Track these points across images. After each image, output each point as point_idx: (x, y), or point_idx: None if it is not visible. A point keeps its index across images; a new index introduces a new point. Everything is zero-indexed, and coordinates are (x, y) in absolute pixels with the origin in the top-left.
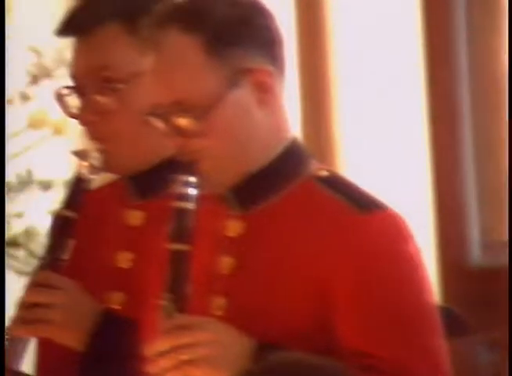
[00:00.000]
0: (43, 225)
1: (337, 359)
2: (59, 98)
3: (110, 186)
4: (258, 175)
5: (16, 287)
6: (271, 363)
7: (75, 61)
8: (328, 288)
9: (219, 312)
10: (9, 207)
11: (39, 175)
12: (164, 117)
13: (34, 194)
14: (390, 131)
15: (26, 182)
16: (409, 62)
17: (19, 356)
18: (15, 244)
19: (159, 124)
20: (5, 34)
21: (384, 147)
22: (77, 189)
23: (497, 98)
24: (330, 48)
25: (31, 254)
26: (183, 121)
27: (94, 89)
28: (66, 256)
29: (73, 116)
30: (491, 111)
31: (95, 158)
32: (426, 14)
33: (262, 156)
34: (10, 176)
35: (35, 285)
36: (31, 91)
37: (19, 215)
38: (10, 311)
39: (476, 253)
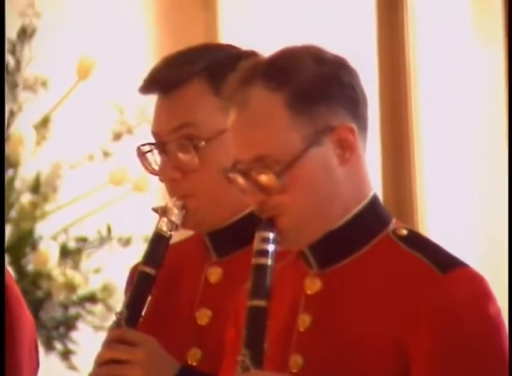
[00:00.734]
0: (121, 280)
1: None
2: (141, 154)
3: (190, 241)
4: (337, 233)
5: (92, 342)
6: None
7: (157, 118)
8: (406, 349)
9: (295, 370)
10: (88, 263)
11: (119, 231)
12: (245, 173)
13: (113, 250)
14: (473, 188)
15: (105, 238)
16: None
17: None
18: (93, 299)
19: (239, 180)
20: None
21: (465, 204)
22: (157, 245)
23: None
24: (412, 104)
25: (109, 309)
26: (264, 178)
27: (175, 146)
28: (143, 312)
29: (154, 173)
30: None
31: (176, 215)
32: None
33: (342, 214)
34: (90, 232)
35: (113, 341)
36: (113, 147)
37: (97, 271)
38: (89, 367)
39: None
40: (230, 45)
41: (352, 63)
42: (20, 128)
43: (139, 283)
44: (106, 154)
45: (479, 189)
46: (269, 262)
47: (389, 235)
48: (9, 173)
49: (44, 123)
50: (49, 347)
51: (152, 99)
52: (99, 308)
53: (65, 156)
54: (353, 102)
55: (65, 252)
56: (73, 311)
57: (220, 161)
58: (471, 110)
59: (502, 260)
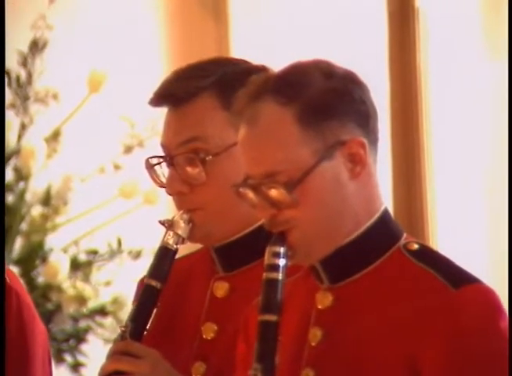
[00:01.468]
0: (132, 293)
1: None
2: (149, 167)
3: (197, 255)
4: (349, 247)
5: (102, 355)
6: None
7: (166, 131)
8: (418, 363)
9: None
10: (98, 275)
11: (129, 243)
12: (255, 188)
13: (123, 263)
14: (484, 202)
15: (116, 251)
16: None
17: None
18: (103, 311)
19: (250, 194)
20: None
21: (476, 219)
22: (163, 258)
23: None
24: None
25: (119, 322)
26: (275, 193)
27: (183, 160)
28: (148, 326)
29: (162, 185)
30: None
31: (182, 228)
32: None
33: (353, 228)
34: (101, 244)
35: (118, 353)
36: (123, 160)
37: (107, 283)
38: None
39: None
40: (241, 60)
41: (363, 76)
42: (31, 141)
43: (144, 296)
44: (116, 167)
45: (490, 204)
46: (280, 276)
47: (400, 249)
48: (20, 186)
49: (55, 136)
50: (59, 359)
51: (163, 112)
52: (109, 321)
53: (76, 169)
54: (363, 116)
55: (75, 265)
56: (83, 323)
57: (227, 176)
58: (482, 123)
59: None
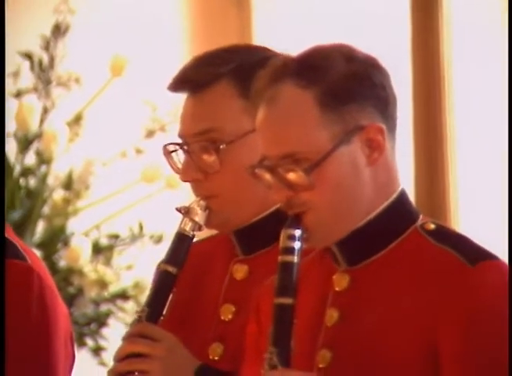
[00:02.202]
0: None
1: None
2: (167, 153)
3: (216, 239)
4: (365, 229)
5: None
6: None
7: (183, 118)
8: (436, 341)
9: (323, 365)
10: (120, 260)
11: (150, 228)
12: (272, 169)
13: (144, 247)
14: (506, 187)
15: (137, 235)
16: None
17: None
18: (124, 296)
19: (266, 176)
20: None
21: (499, 203)
22: (180, 244)
23: None
24: (446, 105)
25: (140, 306)
26: (292, 175)
27: (199, 148)
28: (164, 310)
29: (179, 172)
30: None
31: (199, 215)
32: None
33: (367, 212)
34: (122, 229)
35: (134, 335)
36: (145, 144)
37: (129, 267)
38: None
39: None
40: (261, 47)
41: (385, 64)
42: (53, 125)
43: (161, 281)
44: (138, 151)
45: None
46: (295, 259)
47: (417, 230)
48: (42, 169)
49: (77, 120)
50: (81, 343)
51: (184, 96)
52: (130, 305)
53: (97, 153)
54: (383, 101)
55: (97, 249)
56: (104, 307)
57: (242, 163)
58: (505, 109)
59: None
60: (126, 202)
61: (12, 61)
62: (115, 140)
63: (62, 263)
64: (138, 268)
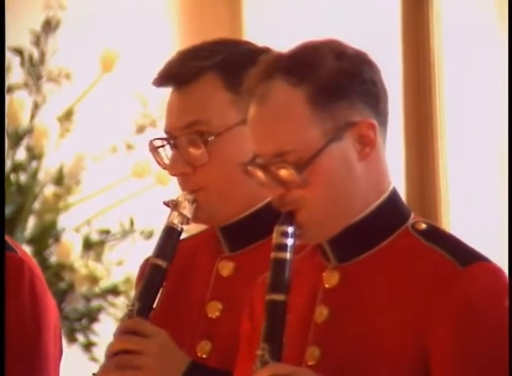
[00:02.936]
0: None
1: None
2: (153, 149)
3: (202, 235)
4: (356, 227)
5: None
6: None
7: (169, 112)
8: (425, 340)
9: (312, 362)
10: (110, 255)
11: (141, 223)
12: (264, 167)
13: (135, 242)
14: (497, 185)
15: (128, 231)
16: None
17: None
18: (115, 291)
19: (258, 173)
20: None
21: (489, 201)
22: (169, 238)
23: None
24: (436, 101)
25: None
26: (284, 173)
27: (186, 141)
28: (155, 305)
29: (166, 167)
30: None
31: (187, 208)
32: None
33: (360, 208)
34: (113, 224)
35: (126, 332)
36: (136, 140)
37: (119, 263)
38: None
39: None
40: (245, 41)
41: (376, 57)
42: (44, 120)
43: (151, 275)
44: (129, 147)
45: (503, 182)
46: (288, 256)
47: (408, 229)
48: (32, 165)
49: (67, 115)
50: (72, 339)
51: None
52: (121, 300)
53: (88, 148)
54: (374, 97)
55: (88, 244)
56: (95, 303)
57: (230, 156)
58: (496, 103)
59: None
60: (117, 197)
61: None
62: (106, 135)
63: (53, 259)
64: (128, 263)
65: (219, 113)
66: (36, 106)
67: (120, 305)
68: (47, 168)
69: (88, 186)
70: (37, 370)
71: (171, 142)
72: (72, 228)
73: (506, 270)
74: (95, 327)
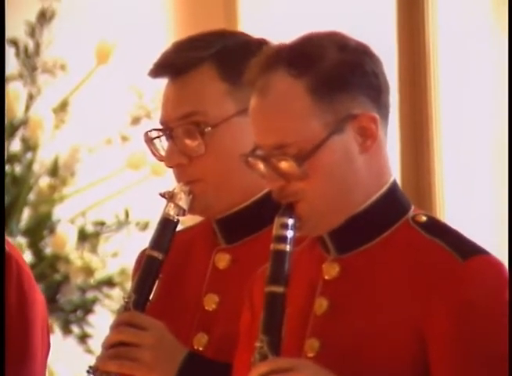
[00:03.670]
0: None
1: None
2: (148, 140)
3: (199, 227)
4: (357, 218)
5: (109, 326)
6: None
7: (165, 103)
8: (424, 331)
9: (312, 354)
10: (105, 247)
11: (136, 215)
12: (265, 158)
13: (130, 234)
14: (492, 176)
15: (123, 222)
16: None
17: None
18: (110, 283)
19: (259, 165)
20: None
21: (484, 193)
22: (165, 230)
23: None
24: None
25: (126, 293)
26: (285, 164)
27: (182, 132)
28: (151, 296)
29: (161, 159)
30: None
31: (183, 200)
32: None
33: (361, 201)
34: (108, 216)
35: (122, 324)
36: (131, 131)
37: (115, 255)
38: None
39: None
40: (241, 32)
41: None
42: (39, 112)
43: (147, 267)
44: (124, 138)
45: (498, 176)
46: (288, 248)
47: (408, 221)
48: (27, 156)
49: (62, 106)
50: (67, 330)
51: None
52: (116, 292)
53: (83, 140)
54: (375, 90)
55: (83, 236)
56: (90, 294)
57: (226, 147)
58: (492, 97)
59: None
60: (112, 189)
61: None
62: (101, 127)
63: (48, 250)
64: (124, 255)
65: (216, 104)
66: (31, 98)
67: (116, 296)
68: (42, 159)
69: (84, 178)
70: (24, 364)
71: (167, 133)
72: (67, 219)
73: (505, 261)
74: (91, 318)
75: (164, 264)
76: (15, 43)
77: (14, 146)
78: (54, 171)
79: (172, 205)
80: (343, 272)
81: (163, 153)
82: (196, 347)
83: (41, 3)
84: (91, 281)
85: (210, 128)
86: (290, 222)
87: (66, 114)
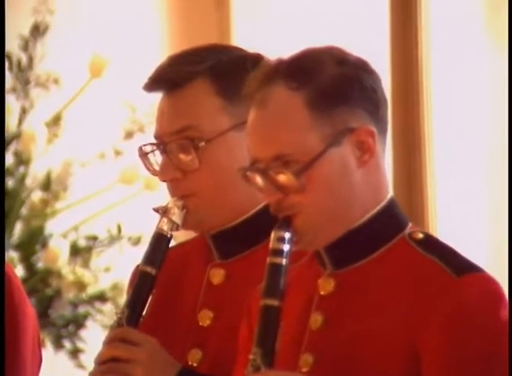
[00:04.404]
0: None
1: None
2: (142, 155)
3: (193, 242)
4: (353, 234)
5: (101, 341)
6: None
7: (159, 118)
8: (417, 349)
9: (306, 369)
10: (98, 261)
11: (129, 229)
12: (263, 171)
13: (123, 249)
14: (484, 190)
15: (116, 237)
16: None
17: None
18: (102, 298)
19: (257, 178)
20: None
21: (476, 207)
22: (158, 245)
23: None
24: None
25: (118, 308)
26: (282, 177)
27: (176, 147)
28: (144, 312)
29: (155, 173)
30: None
31: (176, 214)
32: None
33: (358, 215)
34: (100, 230)
35: (115, 340)
36: (124, 146)
37: (107, 269)
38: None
39: None
40: (236, 47)
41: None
42: (32, 126)
43: (140, 282)
44: (117, 153)
45: (490, 192)
46: (284, 261)
47: (405, 238)
48: (20, 170)
49: (55, 120)
50: (58, 345)
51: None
52: (108, 307)
53: (76, 154)
54: (373, 104)
55: (75, 250)
56: (82, 309)
57: (221, 162)
58: (484, 110)
59: None
60: (104, 203)
61: None
62: (94, 141)
63: (40, 265)
64: (116, 270)
65: (210, 119)
66: (24, 111)
67: (108, 311)
68: (34, 173)
69: (76, 192)
70: None
71: (161, 147)
72: (59, 234)
73: (500, 278)
74: (82, 333)
75: (158, 279)
76: (8, 57)
77: (7, 160)
78: (46, 185)
79: (166, 220)
80: (338, 287)
81: (156, 167)
82: (190, 363)
83: (34, 17)
84: (83, 296)
85: (204, 143)
86: (287, 235)
87: (59, 128)
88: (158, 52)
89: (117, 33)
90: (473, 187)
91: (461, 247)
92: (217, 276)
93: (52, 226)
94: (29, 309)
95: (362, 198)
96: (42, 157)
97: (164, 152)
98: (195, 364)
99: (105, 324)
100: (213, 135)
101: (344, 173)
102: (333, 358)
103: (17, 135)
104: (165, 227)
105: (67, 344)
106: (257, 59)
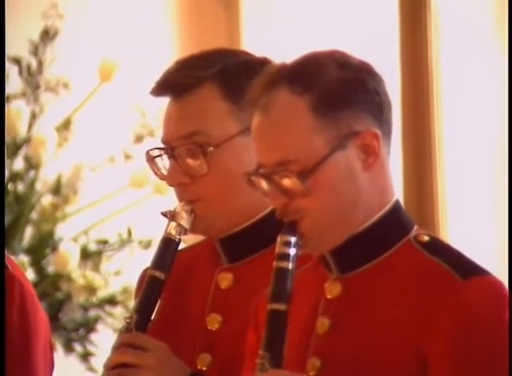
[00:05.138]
0: None
1: None
2: (150, 159)
3: (201, 246)
4: (359, 238)
5: (111, 344)
6: None
7: (167, 122)
8: (424, 351)
9: (313, 373)
10: (108, 265)
11: (139, 233)
12: (268, 176)
13: (133, 252)
14: (494, 194)
15: (126, 241)
16: None
17: None
18: (112, 301)
19: (262, 183)
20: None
21: (486, 211)
22: (166, 249)
23: None
24: (434, 111)
25: (129, 312)
26: (287, 182)
27: (184, 152)
28: (153, 317)
29: (163, 178)
30: None
31: (184, 219)
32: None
33: (364, 219)
34: (111, 234)
35: (124, 345)
36: (134, 149)
37: (117, 273)
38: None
39: None
40: (244, 51)
41: (376, 68)
42: (42, 130)
43: (148, 287)
44: (127, 157)
45: (500, 195)
46: (290, 265)
47: (410, 241)
48: (30, 175)
49: (65, 125)
50: (69, 349)
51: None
52: (118, 310)
53: (86, 158)
54: (377, 107)
55: (85, 254)
56: (93, 313)
57: (229, 166)
58: (494, 115)
59: None
60: (114, 207)
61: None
62: (104, 145)
63: (50, 268)
64: (126, 273)
65: (218, 124)
66: (34, 116)
67: (118, 315)
68: (45, 177)
69: (86, 196)
70: None
71: (169, 152)
72: (69, 238)
73: (506, 280)
74: (93, 337)
75: (166, 283)
76: (18, 61)
77: (17, 164)
78: (57, 189)
79: (174, 224)
80: (344, 291)
81: (164, 171)
82: (199, 367)
83: (44, 22)
84: (94, 300)
85: (212, 148)
86: (293, 239)
87: (69, 133)
88: (168, 56)
89: (127, 37)
90: (484, 190)
91: (473, 251)
92: (225, 280)
93: (62, 230)
94: (41, 314)
95: (368, 201)
96: (52, 161)
97: (171, 157)
98: (204, 368)
99: (115, 328)
100: (221, 140)
101: (349, 176)
102: (340, 362)
103: (27, 140)
104: (173, 232)
105: (78, 347)
106: (264, 63)
